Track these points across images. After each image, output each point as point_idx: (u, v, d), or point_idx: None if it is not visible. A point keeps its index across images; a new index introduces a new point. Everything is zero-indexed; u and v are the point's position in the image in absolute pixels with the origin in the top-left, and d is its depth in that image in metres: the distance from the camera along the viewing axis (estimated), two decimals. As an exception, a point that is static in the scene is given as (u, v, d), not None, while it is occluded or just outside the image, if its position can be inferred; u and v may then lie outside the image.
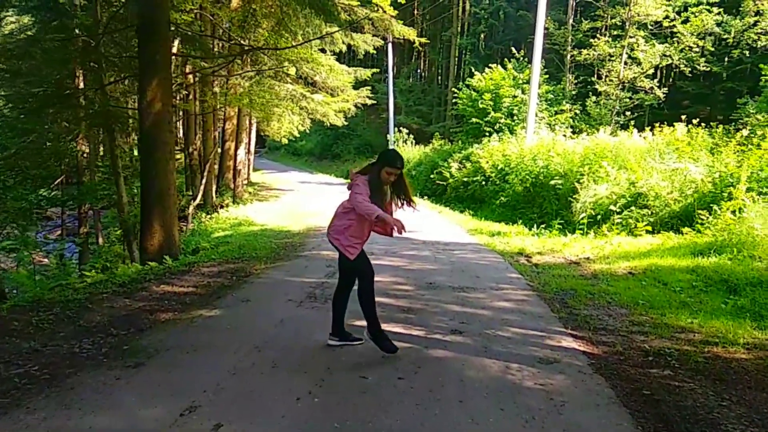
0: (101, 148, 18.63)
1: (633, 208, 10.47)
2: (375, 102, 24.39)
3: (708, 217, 8.86)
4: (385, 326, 4.77)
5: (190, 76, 15.23)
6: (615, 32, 20.86)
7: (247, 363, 3.89)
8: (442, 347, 4.28)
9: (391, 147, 27.84)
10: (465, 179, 18.18)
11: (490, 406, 3.24)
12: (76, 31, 11.97)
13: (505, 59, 21.44)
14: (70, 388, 3.39)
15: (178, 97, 16.96)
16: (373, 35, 18.76)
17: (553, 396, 3.39)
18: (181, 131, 21.54)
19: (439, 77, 38.61)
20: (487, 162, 17.13)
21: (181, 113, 18.92)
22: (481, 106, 20.28)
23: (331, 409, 3.19)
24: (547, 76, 20.89)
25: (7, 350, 4.01)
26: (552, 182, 13.32)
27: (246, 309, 5.40)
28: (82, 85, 13.40)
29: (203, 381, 3.53)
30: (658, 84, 20.49)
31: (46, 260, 15.87)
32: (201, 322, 4.91)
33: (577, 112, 20.67)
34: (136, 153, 18.07)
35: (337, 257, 4.31)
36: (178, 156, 21.64)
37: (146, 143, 8.84)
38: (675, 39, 19.42)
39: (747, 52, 19.23)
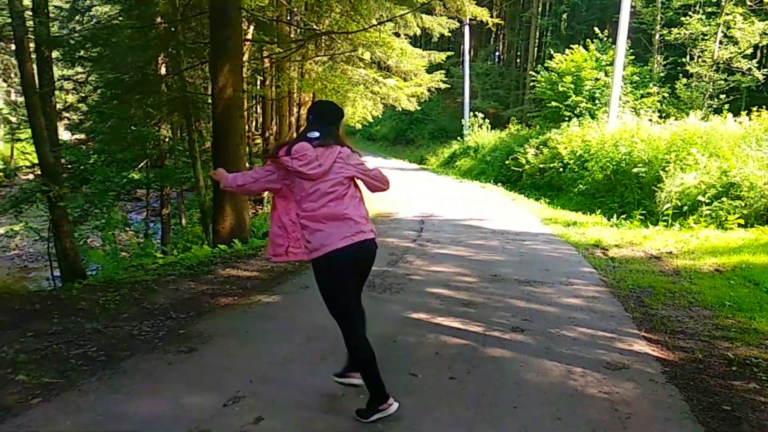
0: (181, 133, 19.36)
1: (724, 199, 9.67)
2: (450, 86, 23.93)
3: (811, 211, 8.03)
4: (441, 320, 4.60)
5: (267, 62, 15.47)
6: (709, 9, 19.27)
7: (297, 353, 3.83)
8: (500, 346, 4.04)
9: (467, 131, 27.32)
10: (541, 166, 17.51)
11: (546, 415, 2.99)
12: (157, 18, 12.38)
13: (588, 40, 20.38)
14: (123, 372, 3.44)
15: (257, 82, 17.35)
16: (448, 17, 18.35)
17: (618, 407, 3.09)
18: (260, 116, 22.03)
19: (518, 60, 37.39)
20: (566, 148, 16.40)
21: (257, 99, 19.31)
22: (561, 89, 19.40)
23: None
24: (633, 57, 19.66)
25: (72, 330, 4.15)
26: (635, 170, 12.53)
27: (304, 296, 5.36)
28: (163, 72, 13.90)
29: (251, 370, 3.49)
30: (757, 65, 18.80)
31: (133, 239, 16.74)
32: (258, 308, 4.91)
33: (666, 95, 19.36)
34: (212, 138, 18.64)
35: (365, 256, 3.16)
36: (256, 141, 22.23)
37: (219, 129, 9.03)
38: (779, 15, 17.74)
39: None
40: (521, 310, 4.97)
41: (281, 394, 3.20)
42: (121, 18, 14.49)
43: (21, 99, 28.09)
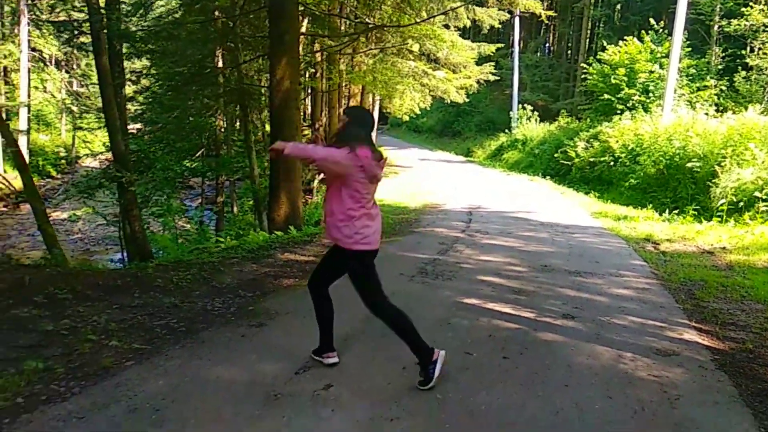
0: (237, 124, 19.98)
1: (783, 195, 9.45)
2: (499, 78, 23.81)
3: None
4: (493, 306, 4.78)
5: (318, 55, 15.81)
6: (774, -2, 18.59)
7: (357, 331, 4.09)
8: (551, 331, 4.20)
9: (515, 123, 27.13)
10: (592, 159, 17.31)
11: (597, 394, 3.16)
12: (216, 13, 12.85)
13: (642, 31, 19.93)
14: (202, 342, 3.78)
15: (306, 75, 17.73)
16: (499, 9, 18.28)
17: (667, 389, 3.22)
18: (309, 107, 22.48)
19: (569, 51, 36.73)
20: (617, 141, 16.18)
21: (309, 90, 19.70)
22: (613, 81, 19.07)
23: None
24: (689, 49, 19.15)
25: (152, 304, 4.52)
26: (689, 164, 12.31)
27: (360, 280, 5.62)
28: (220, 64, 14.41)
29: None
30: (824, 56, 18.04)
31: (188, 225, 17.43)
32: (318, 289, 5.20)
33: (723, 88, 18.79)
34: (267, 128, 19.16)
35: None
36: (305, 132, 22.70)
37: (275, 120, 9.37)
38: None
39: None
40: (571, 298, 5.10)
41: (346, 365, 3.47)
42: (180, 12, 15.10)
43: (82, 90, 29.32)
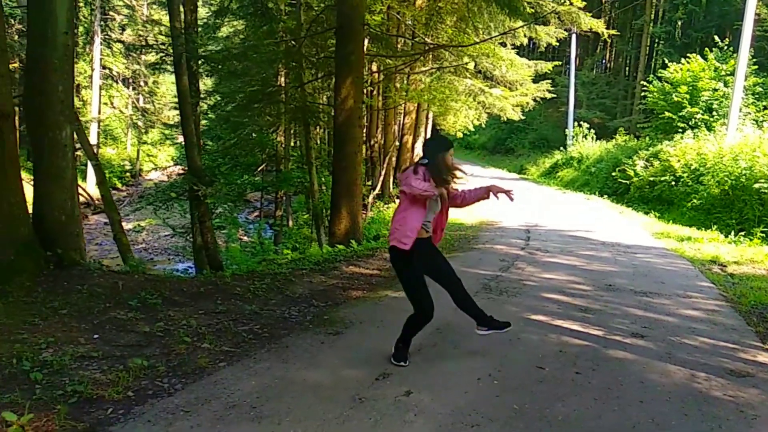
0: (294, 140, 20.58)
1: None
2: (554, 95, 23.69)
3: None
4: (561, 323, 4.86)
5: (375, 74, 16.18)
6: None
7: (430, 342, 4.25)
8: (621, 349, 4.25)
9: (570, 141, 26.86)
10: (651, 178, 16.98)
11: (672, 411, 3.21)
12: (282, 34, 13.39)
13: (706, 48, 19.50)
14: (286, 347, 4.02)
15: (365, 94, 18.15)
16: (557, 27, 18.27)
17: (744, 409, 3.24)
18: (365, 125, 22.90)
19: (627, 68, 36.14)
20: (679, 161, 15.84)
21: (364, 108, 20.12)
22: (675, 99, 18.71)
23: (509, 391, 3.40)
24: (755, 66, 18.60)
25: (234, 310, 4.82)
26: (756, 185, 11.97)
27: (426, 294, 5.79)
28: (283, 83, 14.96)
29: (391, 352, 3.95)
30: None
31: (245, 238, 18.02)
32: (387, 301, 5.40)
33: (792, 106, 18.15)
34: (325, 145, 19.68)
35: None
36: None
37: (338, 137, 9.69)
38: None
39: None
40: (639, 318, 5.11)
41: (423, 373, 3.63)
42: (245, 33, 15.78)
43: (148, 106, 30.71)
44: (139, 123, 30.45)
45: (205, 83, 15.79)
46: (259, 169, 17.60)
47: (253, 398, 3.16)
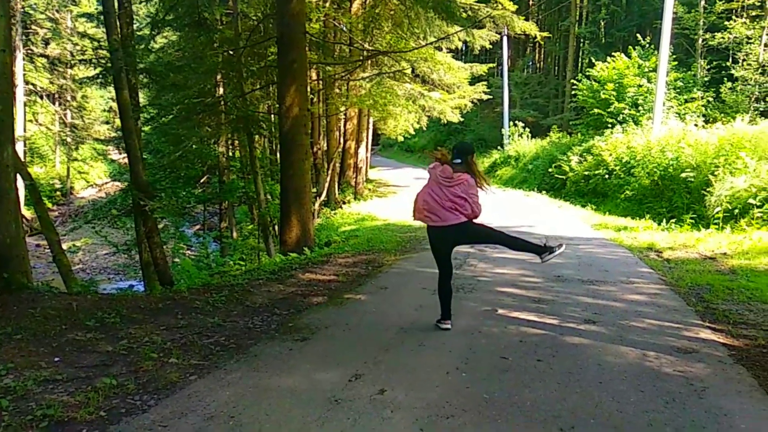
0: (232, 150, 20.28)
1: (776, 201, 9.84)
2: (490, 96, 24.38)
3: None
4: (518, 314, 5.07)
5: (316, 81, 16.21)
6: (753, 12, 19.28)
7: (396, 341, 4.35)
8: (576, 335, 4.48)
9: (507, 140, 27.67)
10: (586, 173, 17.75)
11: (630, 388, 3.43)
12: (219, 44, 13.21)
13: (629, 47, 20.56)
14: (255, 355, 4.03)
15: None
16: (490, 30, 18.83)
17: (693, 382, 3.51)
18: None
19: (556, 68, 37.55)
20: (611, 155, 16.63)
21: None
22: (603, 96, 19.63)
23: (478, 382, 3.55)
24: (675, 62, 19.75)
25: (197, 324, 4.77)
26: (683, 175, 12.73)
27: (386, 295, 5.90)
28: (222, 93, 14.75)
29: (362, 354, 4.03)
30: (805, 66, 18.70)
31: (189, 252, 17.60)
32: (349, 305, 5.47)
33: (710, 99, 19.38)
34: (268, 154, 19.49)
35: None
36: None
37: (285, 145, 9.68)
38: (826, 15, 17.65)
39: None
40: (589, 305, 5.40)
41: (394, 371, 3.72)
42: (181, 44, 15.48)
43: (77, 121, 29.52)
44: (68, 139, 29.22)
45: (142, 96, 15.36)
46: (200, 182, 17.29)
47: (230, 408, 3.17)
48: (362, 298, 5.73)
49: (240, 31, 12.80)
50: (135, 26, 14.98)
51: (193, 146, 15.39)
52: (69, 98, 30.17)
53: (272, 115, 14.91)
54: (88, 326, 4.47)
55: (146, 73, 9.70)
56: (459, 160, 4.68)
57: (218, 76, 14.36)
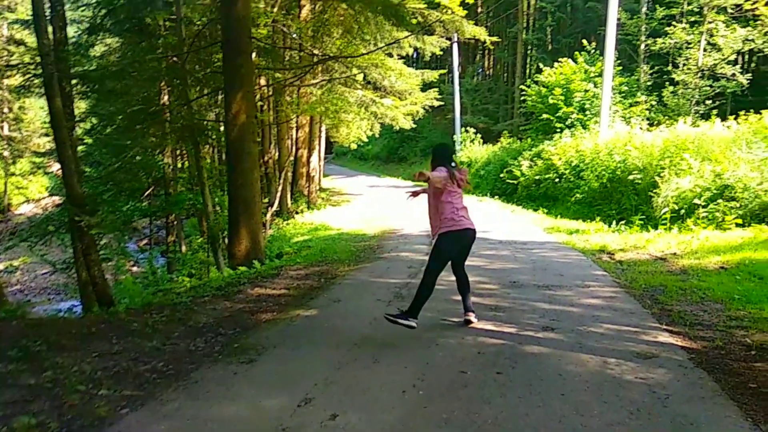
0: (181, 161, 19.63)
1: (719, 201, 10.08)
2: (441, 103, 24.51)
3: (806, 208, 8.45)
4: (474, 324, 4.91)
5: (265, 88, 15.85)
6: (692, 18, 19.97)
7: (349, 358, 4.11)
8: (535, 343, 4.35)
9: (455, 146, 27.85)
10: (537, 177, 17.95)
11: (592, 399, 3.30)
12: (162, 50, 12.72)
13: (576, 52, 20.99)
14: (195, 382, 3.72)
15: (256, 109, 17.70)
16: (440, 36, 18.87)
17: (656, 389, 3.40)
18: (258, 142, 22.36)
19: (505, 75, 38.16)
20: (560, 159, 16.86)
21: (256, 124, 19.63)
22: (551, 101, 19.93)
23: (436, 400, 3.35)
24: (620, 67, 20.29)
25: (133, 349, 4.40)
26: (630, 177, 12.97)
27: (339, 308, 5.65)
28: (167, 101, 14.23)
29: (313, 375, 3.77)
30: (740, 70, 19.45)
31: (135, 268, 16.88)
32: (299, 321, 5.19)
33: (653, 103, 19.95)
34: (216, 164, 18.97)
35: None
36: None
37: (232, 154, 9.32)
38: (758, 22, 18.38)
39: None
40: (547, 311, 5.29)
41: (346, 393, 3.48)
42: (122, 51, 14.87)
43: (15, 134, 28.14)
44: (5, 153, 27.81)
45: (79, 106, 14.66)
46: (145, 194, 16.61)
47: (165, 445, 2.87)
48: (314, 313, 5.46)
49: (184, 37, 12.35)
50: (75, 33, 14.34)
51: (137, 157, 14.80)
52: (6, 110, 28.75)
53: (220, 124, 14.45)
54: (10, 357, 4.05)
55: (82, 80, 9.15)
56: (454, 164, 4.90)
57: (162, 84, 13.86)
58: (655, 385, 3.46)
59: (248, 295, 6.48)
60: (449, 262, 5.03)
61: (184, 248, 17.55)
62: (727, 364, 3.79)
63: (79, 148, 15.54)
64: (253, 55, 13.40)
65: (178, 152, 17.87)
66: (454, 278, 7.06)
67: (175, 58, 12.06)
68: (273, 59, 13.80)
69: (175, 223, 17.39)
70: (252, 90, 9.46)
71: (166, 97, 14.56)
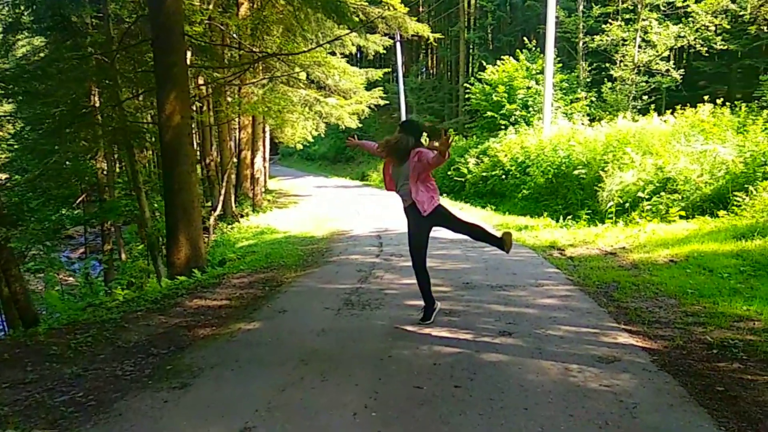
0: (117, 166, 18.68)
1: (662, 193, 10.23)
2: (387, 102, 24.30)
3: (745, 199, 8.61)
4: (429, 331, 4.65)
5: (203, 87, 15.20)
6: (627, 16, 20.49)
7: (295, 377, 3.76)
8: (493, 351, 4.11)
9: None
10: (484, 174, 17.98)
11: (558, 413, 3.07)
12: (90, 49, 11.96)
13: (517, 50, 21.18)
14: (118, 414, 3.28)
15: (193, 109, 16.98)
16: (383, 34, 18.63)
17: (623, 398, 3.21)
18: (198, 143, 21.60)
19: (449, 73, 38.34)
20: (506, 155, 16.91)
21: (195, 125, 18.91)
22: (495, 99, 20.05)
23: (391, 423, 3.04)
24: (560, 65, 20.60)
25: (50, 376, 3.92)
26: (575, 172, 13.08)
27: (284, 320, 5.28)
28: (98, 103, 13.42)
29: (253, 399, 3.41)
30: (674, 66, 20.07)
31: (71, 279, 15.91)
32: (241, 336, 4.79)
33: (593, 99, 20.34)
34: (153, 168, 18.14)
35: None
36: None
37: (168, 157, 8.77)
38: (690, 19, 19.00)
39: (765, 28, 18.74)
40: (503, 314, 5.08)
41: (290, 420, 3.14)
42: (47, 51, 13.95)
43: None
44: None
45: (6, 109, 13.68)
46: (78, 201, 15.67)
47: (78, 497, 2.46)
48: (257, 326, 5.07)
49: (113, 35, 11.64)
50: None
51: (67, 162, 13.91)
52: None
53: (156, 126, 13.75)
54: None
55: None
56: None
57: (92, 85, 13.05)
58: (621, 393, 3.27)
59: (186, 308, 6.01)
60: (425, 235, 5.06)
61: (123, 256, 16.70)
62: (691, 366, 3.65)
63: (2, 155, 14.51)
64: (189, 53, 12.82)
65: (115, 156, 16.99)
66: (406, 281, 6.85)
67: (105, 59, 11.35)
68: (210, 57, 13.21)
69: (113, 230, 16.52)
70: (186, 89, 8.92)
71: (97, 99, 13.74)
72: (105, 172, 15.68)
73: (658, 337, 4.23)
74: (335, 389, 3.54)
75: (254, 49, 12.85)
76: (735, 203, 8.78)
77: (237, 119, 18.65)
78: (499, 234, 5.01)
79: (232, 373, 3.89)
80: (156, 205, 14.90)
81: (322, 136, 26.07)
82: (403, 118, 29.39)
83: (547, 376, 3.58)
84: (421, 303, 5.45)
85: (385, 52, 22.79)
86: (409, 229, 5.01)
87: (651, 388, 3.32)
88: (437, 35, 15.95)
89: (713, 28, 18.77)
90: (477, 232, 5.05)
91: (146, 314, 5.76)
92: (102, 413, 3.31)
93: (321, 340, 4.57)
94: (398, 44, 28.76)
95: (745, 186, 8.95)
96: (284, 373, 3.82)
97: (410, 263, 7.92)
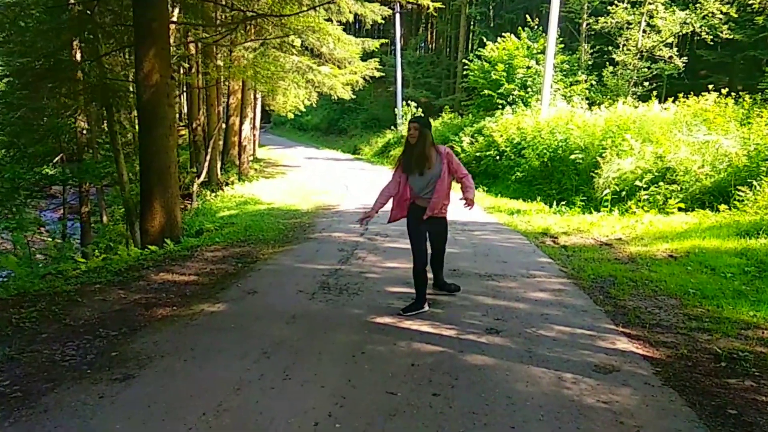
0: (104, 124, 17.99)
1: (661, 183, 9.83)
2: (383, 75, 23.63)
3: (748, 194, 8.23)
4: (409, 324, 4.24)
5: (192, 47, 14.52)
6: (633, -1, 19.87)
7: (254, 374, 3.33)
8: (478, 351, 3.70)
9: (400, 120, 27.12)
10: (477, 154, 17.48)
11: (549, 434, 2.67)
12: (70, -1, 11.26)
13: (519, 28, 20.52)
14: (44, 411, 2.84)
15: (180, 70, 16.28)
16: (382, 3, 17.93)
17: (624, 419, 2.80)
18: (185, 107, 20.89)
19: (448, 49, 37.50)
20: (501, 136, 16.41)
21: (184, 87, 18.20)
22: (493, 77, 19.46)
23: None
24: (561, 45, 19.97)
25: (-23, 359, 3.47)
26: (572, 156, 12.63)
27: (252, 303, 4.83)
28: (79, 58, 12.74)
29: (202, 399, 2.98)
30: (677, 53, 19.53)
31: (49, 240, 15.36)
32: (202, 319, 4.35)
33: (593, 82, 19.80)
34: (135, 129, 17.47)
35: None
36: (182, 132, 21.02)
37: (145, 118, 8.24)
38: (697, 6, 18.41)
39: (773, 19, 18.22)
40: (490, 308, 4.66)
41: (241, 427, 2.72)
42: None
43: None
44: None
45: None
46: (56, 160, 15.04)
47: None
48: (220, 309, 4.62)
49: (93, -16, 10.92)
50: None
51: (44, 119, 13.29)
52: None
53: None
54: None
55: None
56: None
57: (73, 38, 12.35)
58: (621, 412, 2.86)
59: (150, 282, 5.56)
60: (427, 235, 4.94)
61: (105, 219, 16.18)
62: (698, 381, 3.25)
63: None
64: (176, 10, 12.15)
65: (102, 116, 16.30)
66: (389, 265, 6.43)
67: (84, 8, 10.67)
68: (199, 15, 12.52)
69: (94, 191, 15.94)
70: (167, 47, 8.33)
71: (79, 54, 13.06)
72: (85, 132, 15.04)
73: (660, 344, 3.83)
74: (298, 391, 3.11)
75: (245, 9, 12.19)
76: (737, 198, 8.40)
77: (227, 84, 17.97)
78: (449, 281, 5.17)
79: (184, 365, 3.45)
80: (137, 168, 14.31)
81: (314, 106, 25.39)
82: (399, 91, 28.73)
83: (537, 387, 3.17)
84: (404, 290, 5.06)
85: (383, 22, 22.04)
86: (410, 225, 4.88)
87: (655, 408, 2.92)
88: (437, 4, 15.29)
89: (720, 16, 18.21)
90: (436, 262, 5.02)
91: (105, 287, 5.31)
92: (25, 408, 2.87)
93: (289, 329, 4.14)
94: (398, 15, 27.97)
95: (749, 180, 8.57)
96: (243, 368, 3.39)
97: (395, 244, 7.56)
